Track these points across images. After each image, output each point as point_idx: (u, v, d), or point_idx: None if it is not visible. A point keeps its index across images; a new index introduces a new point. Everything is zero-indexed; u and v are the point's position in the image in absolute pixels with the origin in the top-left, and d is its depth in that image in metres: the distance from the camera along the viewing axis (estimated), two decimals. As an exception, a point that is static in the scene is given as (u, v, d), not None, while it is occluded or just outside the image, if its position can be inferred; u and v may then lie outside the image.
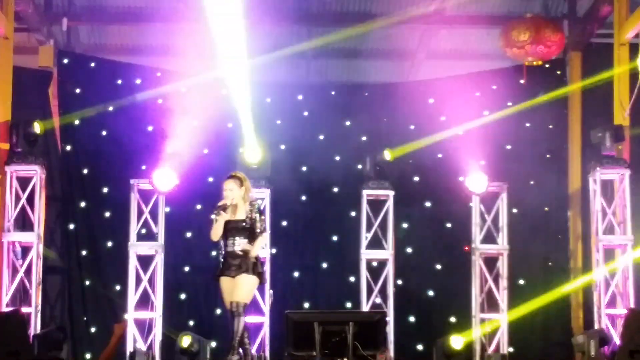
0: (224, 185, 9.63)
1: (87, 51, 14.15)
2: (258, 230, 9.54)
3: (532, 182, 13.40)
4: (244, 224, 9.55)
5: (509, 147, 13.34)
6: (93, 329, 13.04)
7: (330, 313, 9.69)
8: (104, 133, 13.36)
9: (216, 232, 9.56)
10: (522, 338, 12.85)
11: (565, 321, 13.32)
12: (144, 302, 11.95)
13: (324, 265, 13.25)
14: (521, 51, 12.70)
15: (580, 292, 13.37)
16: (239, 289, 9.42)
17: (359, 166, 12.74)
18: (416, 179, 13.40)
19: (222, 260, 9.58)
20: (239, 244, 9.53)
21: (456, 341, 11.64)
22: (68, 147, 13.37)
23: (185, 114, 12.79)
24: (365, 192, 12.36)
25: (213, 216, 9.64)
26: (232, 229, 9.55)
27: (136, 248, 12.00)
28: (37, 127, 11.80)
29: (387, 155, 12.36)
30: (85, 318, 13.05)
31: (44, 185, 11.98)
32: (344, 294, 12.87)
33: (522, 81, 13.51)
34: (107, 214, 13.14)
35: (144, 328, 11.88)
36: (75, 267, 13.13)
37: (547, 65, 13.42)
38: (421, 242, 13.33)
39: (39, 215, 11.81)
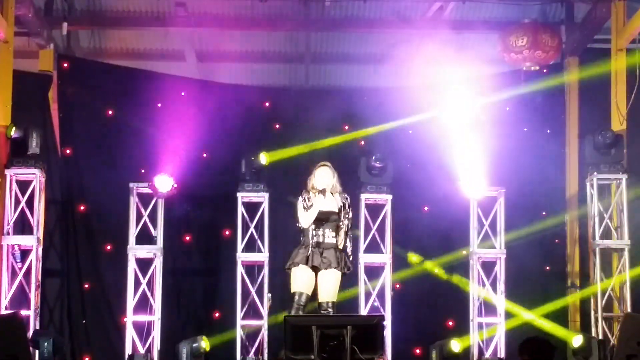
0: (316, 171, 9.58)
1: (87, 55, 14.19)
2: (346, 224, 9.50)
3: (529, 187, 13.44)
4: (335, 216, 9.48)
5: (506, 151, 13.38)
6: (92, 333, 13.07)
7: (328, 317, 9.69)
8: (103, 136, 13.40)
9: (310, 218, 9.44)
10: (520, 342, 12.87)
11: (562, 325, 13.34)
12: (143, 305, 11.99)
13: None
14: (519, 56, 12.76)
15: (578, 296, 13.43)
16: (331, 286, 9.47)
17: (357, 170, 12.75)
18: (414, 183, 13.43)
19: (306, 249, 9.48)
20: (329, 235, 9.50)
21: (455, 345, 11.71)
22: (67, 151, 13.41)
23: (184, 117, 12.84)
24: (364, 197, 12.40)
25: (302, 201, 9.51)
26: (323, 219, 9.46)
27: (135, 251, 12.04)
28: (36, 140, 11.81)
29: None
30: (84, 321, 13.09)
31: (44, 188, 12.03)
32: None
33: (520, 86, 13.55)
34: (106, 218, 13.17)
35: (143, 331, 11.93)
36: (74, 270, 13.16)
37: (544, 71, 13.46)
38: (419, 246, 13.38)
39: (38, 219, 11.85)
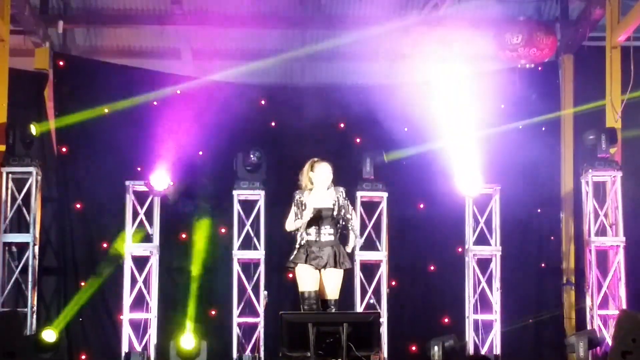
0: (320, 168, 9.42)
1: (83, 53, 14.18)
2: (349, 217, 9.35)
3: (524, 184, 13.47)
4: (332, 212, 9.33)
5: (502, 149, 13.40)
6: (89, 330, 13.08)
7: (325, 314, 9.70)
8: (99, 135, 13.40)
9: (296, 226, 9.33)
10: (515, 339, 12.93)
11: (557, 322, 13.40)
12: (139, 303, 12.01)
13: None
14: (514, 54, 12.77)
15: (573, 293, 13.46)
16: (334, 285, 9.42)
17: (354, 168, 12.76)
18: (410, 180, 13.45)
19: (303, 248, 9.39)
20: (326, 233, 9.38)
21: None
22: (63, 149, 13.41)
23: (180, 116, 12.85)
24: (360, 194, 12.42)
25: (294, 205, 9.37)
26: (318, 217, 9.32)
27: (131, 249, 12.05)
28: (33, 129, 11.86)
29: (382, 157, 12.41)
30: (80, 319, 13.10)
31: (40, 186, 12.04)
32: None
33: (515, 84, 13.57)
34: (103, 215, 13.18)
35: (139, 329, 11.95)
36: (71, 268, 13.18)
37: (539, 68, 13.50)
38: (415, 244, 13.40)
39: (34, 217, 11.87)
